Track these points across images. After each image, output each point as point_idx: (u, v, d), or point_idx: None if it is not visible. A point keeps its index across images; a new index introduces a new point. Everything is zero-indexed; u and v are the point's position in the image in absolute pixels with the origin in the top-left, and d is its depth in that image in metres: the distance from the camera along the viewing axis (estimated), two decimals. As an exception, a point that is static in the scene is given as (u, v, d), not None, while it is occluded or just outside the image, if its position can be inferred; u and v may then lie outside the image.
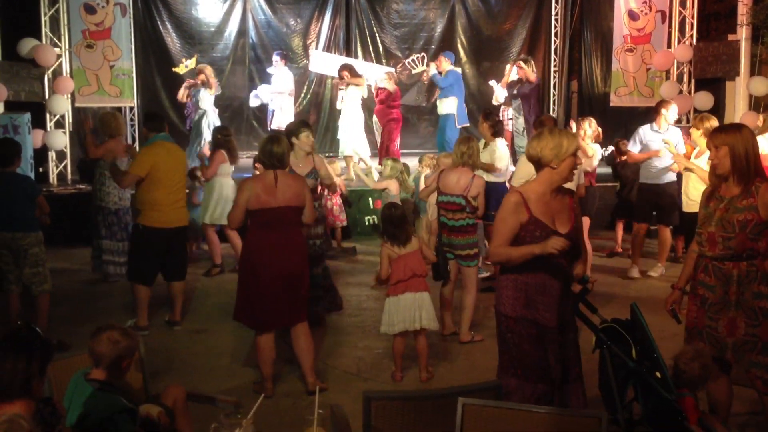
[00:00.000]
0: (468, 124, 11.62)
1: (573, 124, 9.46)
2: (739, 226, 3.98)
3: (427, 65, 12.62)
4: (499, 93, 12.16)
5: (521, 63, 11.19)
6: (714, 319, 4.12)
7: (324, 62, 13.09)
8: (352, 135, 11.38)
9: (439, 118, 11.60)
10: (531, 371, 3.89)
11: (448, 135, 11.11)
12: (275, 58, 12.24)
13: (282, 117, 11.82)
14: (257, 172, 6.77)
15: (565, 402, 3.95)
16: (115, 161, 6.89)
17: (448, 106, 11.24)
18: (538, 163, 3.87)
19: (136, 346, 3.68)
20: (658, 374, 3.77)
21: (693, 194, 7.29)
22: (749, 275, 4.04)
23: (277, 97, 12.15)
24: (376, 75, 12.25)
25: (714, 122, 7.04)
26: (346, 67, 11.59)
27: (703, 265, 4.17)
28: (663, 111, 8.14)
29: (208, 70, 11.27)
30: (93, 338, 3.52)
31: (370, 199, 10.36)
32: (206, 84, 11.12)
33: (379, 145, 11.81)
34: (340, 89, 11.76)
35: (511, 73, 11.67)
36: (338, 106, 11.89)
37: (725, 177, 4.08)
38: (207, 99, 11.19)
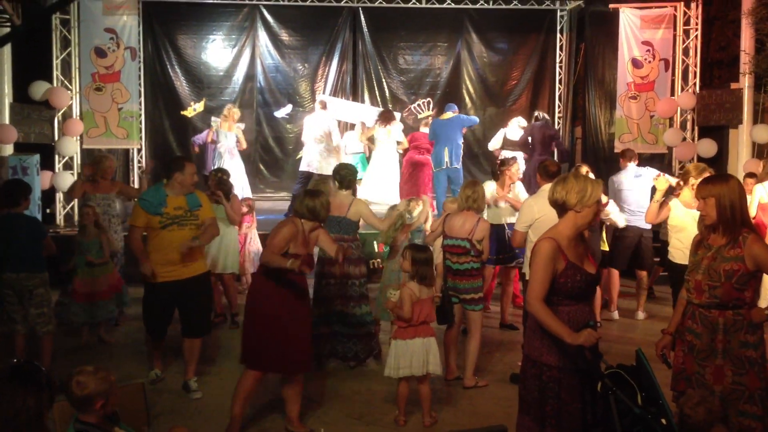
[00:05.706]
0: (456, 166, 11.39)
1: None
2: (725, 275, 4.02)
3: (433, 110, 12.84)
4: (498, 138, 12.25)
5: None
6: (702, 366, 4.14)
7: (340, 108, 13.08)
8: (383, 181, 11.38)
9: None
10: (564, 421, 3.83)
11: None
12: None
13: (307, 159, 11.84)
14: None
15: None
16: None
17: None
18: (562, 208, 3.90)
19: (109, 386, 3.43)
20: (663, 421, 3.74)
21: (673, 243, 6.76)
22: (735, 324, 4.05)
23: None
24: (370, 116, 12.43)
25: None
26: (386, 114, 11.82)
27: (691, 311, 4.21)
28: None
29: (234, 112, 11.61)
30: (65, 383, 3.36)
31: (374, 243, 10.32)
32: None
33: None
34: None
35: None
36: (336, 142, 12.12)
37: (713, 227, 4.14)
38: (224, 138, 11.47)
